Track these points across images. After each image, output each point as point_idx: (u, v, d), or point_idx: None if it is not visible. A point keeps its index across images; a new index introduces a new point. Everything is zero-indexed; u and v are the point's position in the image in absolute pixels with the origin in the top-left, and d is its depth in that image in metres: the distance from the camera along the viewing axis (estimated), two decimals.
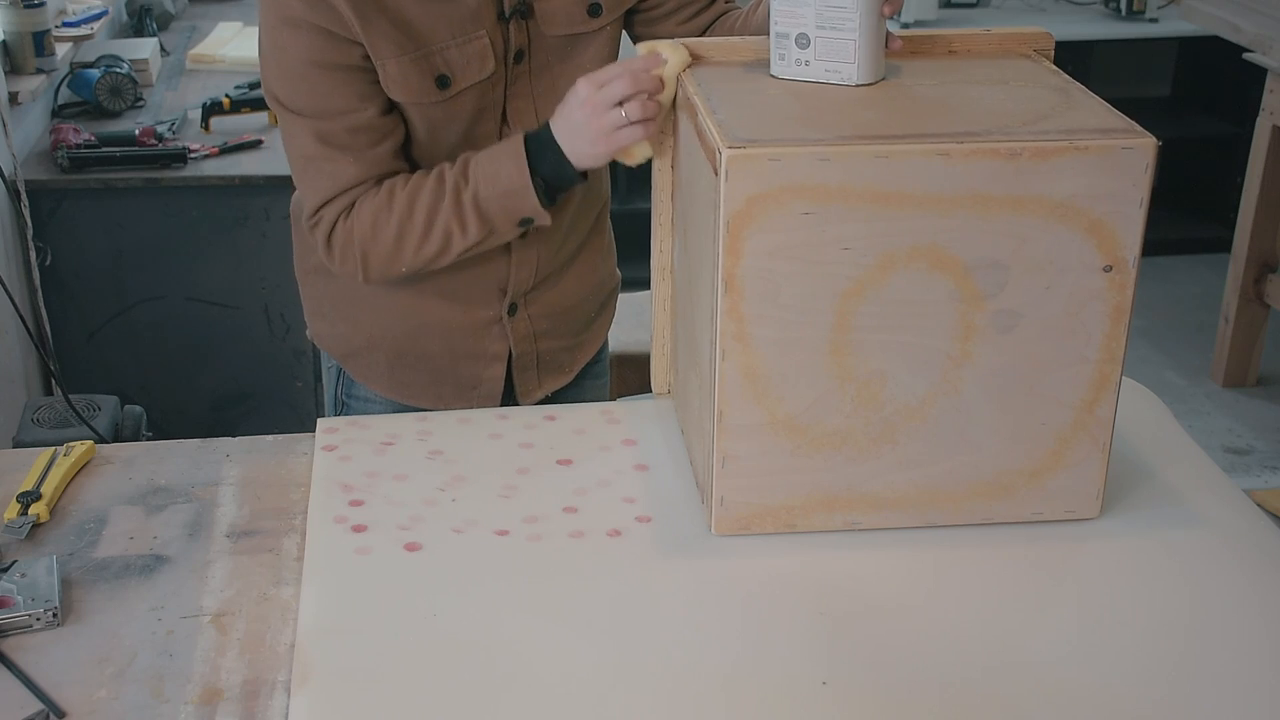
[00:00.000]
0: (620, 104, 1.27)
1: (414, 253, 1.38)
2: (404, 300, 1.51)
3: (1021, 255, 1.12)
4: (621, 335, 2.04)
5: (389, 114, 1.38)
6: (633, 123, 1.28)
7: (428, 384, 1.56)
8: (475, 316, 1.52)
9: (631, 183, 3.69)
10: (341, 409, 1.63)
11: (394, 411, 1.54)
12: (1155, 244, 4.45)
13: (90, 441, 1.38)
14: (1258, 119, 3.38)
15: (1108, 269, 1.13)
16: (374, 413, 1.56)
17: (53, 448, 1.36)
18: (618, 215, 1.69)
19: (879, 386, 1.16)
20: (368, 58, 1.34)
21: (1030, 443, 1.19)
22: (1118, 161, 1.09)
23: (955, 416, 1.17)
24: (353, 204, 1.39)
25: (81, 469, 1.35)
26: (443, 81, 1.37)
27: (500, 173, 1.35)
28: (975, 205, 1.10)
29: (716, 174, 1.09)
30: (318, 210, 1.40)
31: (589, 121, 1.29)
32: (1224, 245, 3.71)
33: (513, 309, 1.53)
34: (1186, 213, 4.63)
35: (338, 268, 1.43)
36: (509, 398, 1.59)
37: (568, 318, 1.59)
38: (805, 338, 1.14)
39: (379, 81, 1.36)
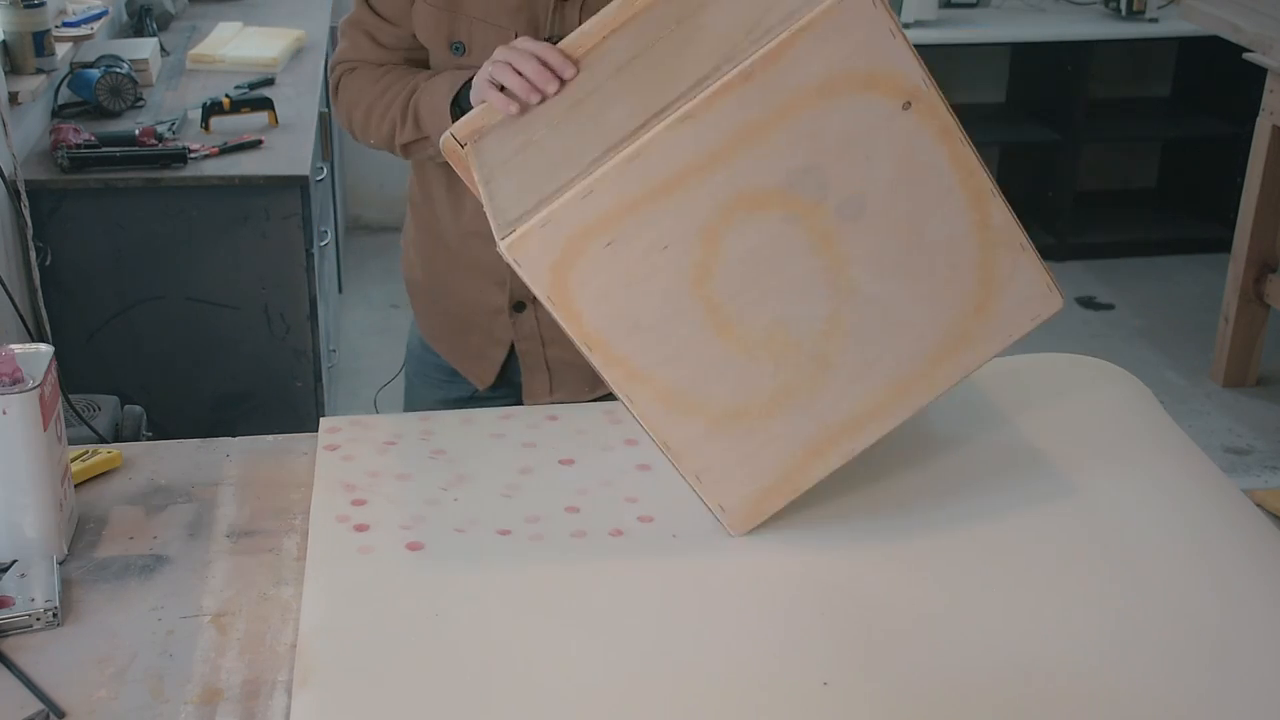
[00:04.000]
0: (519, 73, 1.28)
1: (375, 129, 1.53)
2: (442, 255, 1.61)
3: (823, 148, 1.09)
4: None
5: (413, 50, 1.52)
6: (504, 91, 1.29)
7: (448, 334, 1.66)
8: (488, 299, 1.58)
9: None
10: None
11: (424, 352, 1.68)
12: (1155, 244, 4.46)
13: (118, 451, 1.38)
14: (1258, 119, 3.38)
15: (906, 106, 1.10)
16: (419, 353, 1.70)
17: (80, 448, 1.36)
18: None
19: (783, 333, 1.14)
20: (395, 7, 1.48)
21: (954, 287, 1.16)
22: (846, 15, 1.06)
23: (870, 311, 1.15)
24: (356, 68, 1.56)
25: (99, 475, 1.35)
26: (457, 48, 1.46)
27: (438, 88, 1.44)
28: (748, 137, 1.07)
29: (519, 268, 1.09)
30: (335, 66, 1.58)
31: (486, 66, 1.33)
32: (1224, 245, 3.71)
33: (520, 305, 1.56)
34: (1186, 213, 4.63)
35: (338, 118, 1.60)
36: (510, 389, 1.60)
37: None
38: (688, 338, 1.13)
39: (403, 32, 1.50)
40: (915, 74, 1.10)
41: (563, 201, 1.07)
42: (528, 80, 1.26)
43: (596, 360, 1.13)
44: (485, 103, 1.30)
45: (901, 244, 1.14)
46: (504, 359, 1.61)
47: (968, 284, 1.16)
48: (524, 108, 1.27)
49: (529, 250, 1.08)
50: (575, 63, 1.27)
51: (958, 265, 1.15)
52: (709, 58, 1.10)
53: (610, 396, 1.67)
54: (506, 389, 1.63)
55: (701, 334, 1.13)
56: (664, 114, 1.07)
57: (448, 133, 1.32)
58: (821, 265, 1.13)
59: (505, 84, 1.28)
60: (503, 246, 1.08)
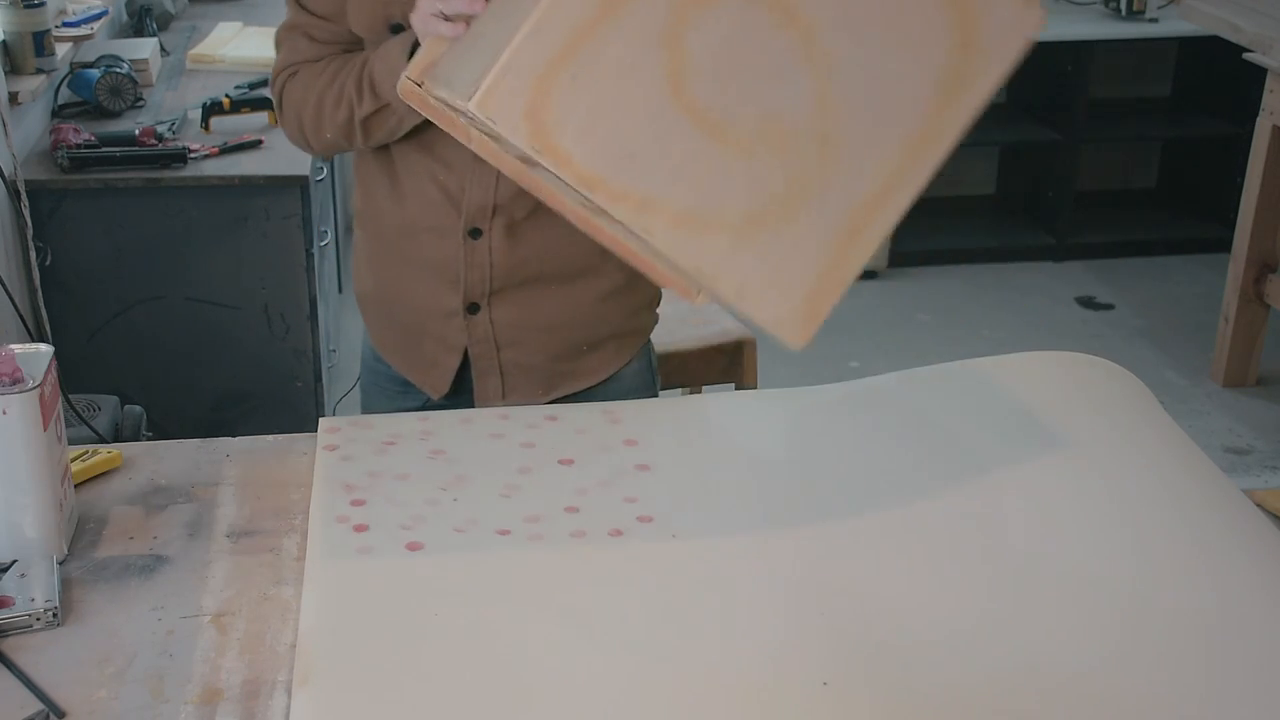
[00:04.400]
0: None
1: (330, 118, 1.48)
2: (393, 260, 1.59)
3: None
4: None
5: (351, 45, 1.49)
6: (447, 18, 1.27)
7: (400, 344, 1.63)
8: (441, 302, 1.55)
9: None
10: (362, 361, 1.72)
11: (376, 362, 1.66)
12: (1155, 244, 4.47)
13: (118, 451, 1.38)
14: (1258, 119, 3.38)
15: None
16: (371, 364, 1.67)
17: (80, 448, 1.36)
18: None
19: (777, 124, 1.11)
20: (329, 4, 1.45)
21: (932, 29, 1.13)
22: None
23: (854, 77, 1.11)
24: (298, 71, 1.52)
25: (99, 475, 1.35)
26: (397, 29, 1.42)
27: (390, 50, 1.41)
28: None
29: (495, 124, 1.06)
30: (277, 76, 1.54)
31: (420, 4, 1.31)
32: (1224, 245, 3.71)
33: (474, 308, 1.53)
34: (1186, 213, 4.63)
35: (287, 132, 1.55)
36: (466, 397, 1.59)
37: (543, 338, 1.56)
38: (684, 152, 1.10)
39: (334, 29, 1.47)
40: None
41: (515, 44, 1.04)
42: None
43: (601, 200, 1.09)
44: (431, 37, 1.28)
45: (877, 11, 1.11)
46: (457, 366, 1.58)
47: (944, 22, 1.12)
48: (471, 20, 1.26)
49: (498, 102, 1.05)
50: None
51: (928, 5, 1.12)
52: None
53: (566, 399, 1.65)
54: (461, 399, 1.60)
55: (696, 144, 1.10)
56: None
57: (403, 76, 1.29)
58: (791, 41, 1.10)
59: (445, 10, 1.27)
60: (473, 107, 1.05)
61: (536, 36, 1.05)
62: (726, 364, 2.27)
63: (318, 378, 2.76)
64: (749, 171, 1.12)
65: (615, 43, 1.07)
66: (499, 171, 1.31)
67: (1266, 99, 3.34)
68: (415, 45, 1.36)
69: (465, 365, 1.58)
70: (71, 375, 2.65)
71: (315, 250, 2.67)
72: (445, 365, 1.58)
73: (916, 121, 1.14)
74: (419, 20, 1.32)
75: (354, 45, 1.50)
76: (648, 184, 1.11)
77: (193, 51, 3.24)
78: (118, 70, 2.90)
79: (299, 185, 2.58)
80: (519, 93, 1.06)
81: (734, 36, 1.09)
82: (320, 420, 1.42)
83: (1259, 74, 3.37)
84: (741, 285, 1.15)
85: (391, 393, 1.65)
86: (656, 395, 1.66)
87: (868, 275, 4.26)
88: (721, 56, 1.09)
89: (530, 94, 1.07)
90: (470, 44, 1.22)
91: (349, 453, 1.36)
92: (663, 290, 1.62)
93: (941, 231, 4.50)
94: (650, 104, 1.09)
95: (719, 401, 1.51)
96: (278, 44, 1.55)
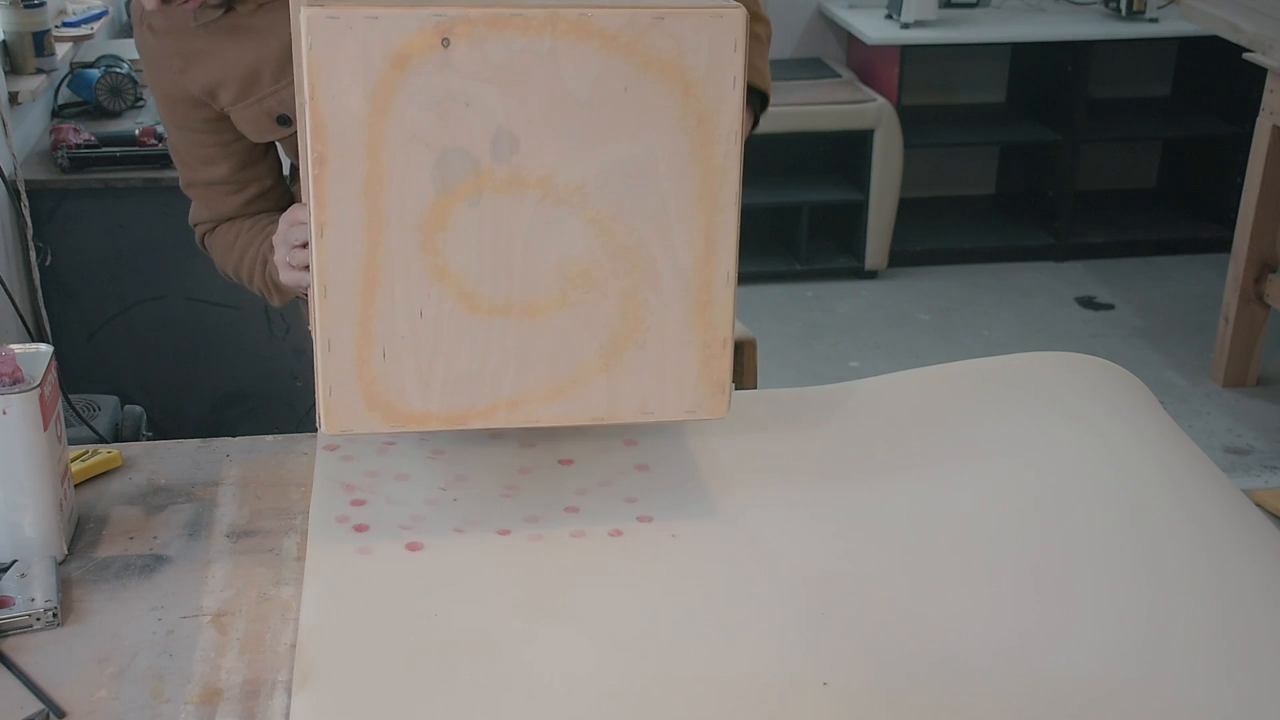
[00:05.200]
0: (304, 245, 1.31)
1: (253, 286, 1.53)
2: None
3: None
4: None
5: (246, 168, 1.50)
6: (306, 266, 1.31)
7: None
8: None
9: None
10: None
11: None
12: (1155, 244, 4.47)
13: (118, 451, 1.38)
14: (1258, 119, 3.38)
15: (446, 43, 1.06)
16: None
17: (80, 448, 1.36)
18: None
19: (571, 263, 1.14)
20: (214, 119, 1.45)
21: (673, 119, 1.14)
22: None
23: (621, 188, 1.13)
24: (215, 227, 1.55)
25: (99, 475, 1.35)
26: (283, 120, 1.43)
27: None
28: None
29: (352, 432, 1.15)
30: (194, 228, 1.57)
31: (277, 250, 1.36)
32: (1224, 245, 3.71)
33: None
34: (1186, 213, 4.63)
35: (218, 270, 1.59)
36: None
37: None
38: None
39: (231, 140, 1.47)
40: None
41: (319, 363, 1.12)
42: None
43: (477, 424, 1.16)
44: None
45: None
46: None
47: (672, 105, 1.12)
48: None
49: (341, 418, 1.15)
50: None
51: (662, 114, 1.12)
52: None
53: None
54: None
55: (518, 332, 1.14)
56: None
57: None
58: (542, 202, 1.11)
59: (294, 262, 1.34)
60: (325, 432, 1.16)
61: (329, 345, 1.11)
62: None
63: None
64: (580, 318, 1.15)
65: (397, 299, 1.11)
66: None
67: (1266, 99, 3.34)
68: None
69: None
70: (71, 375, 2.66)
71: None
72: None
73: (694, 184, 1.14)
74: (286, 278, 1.37)
75: (252, 155, 1.51)
76: (505, 388, 1.15)
77: None
78: (118, 70, 2.90)
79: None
80: (353, 397, 1.12)
81: (490, 227, 1.11)
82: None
83: (1259, 74, 3.37)
84: (641, 404, 1.18)
85: None
86: None
87: (868, 275, 4.27)
88: (487, 251, 1.12)
89: (361, 391, 1.12)
90: None
91: (349, 453, 1.36)
92: None
93: (941, 231, 4.51)
94: (457, 328, 1.12)
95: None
96: (185, 191, 1.56)
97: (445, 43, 1.06)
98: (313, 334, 1.14)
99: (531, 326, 1.14)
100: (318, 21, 1.04)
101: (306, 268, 1.31)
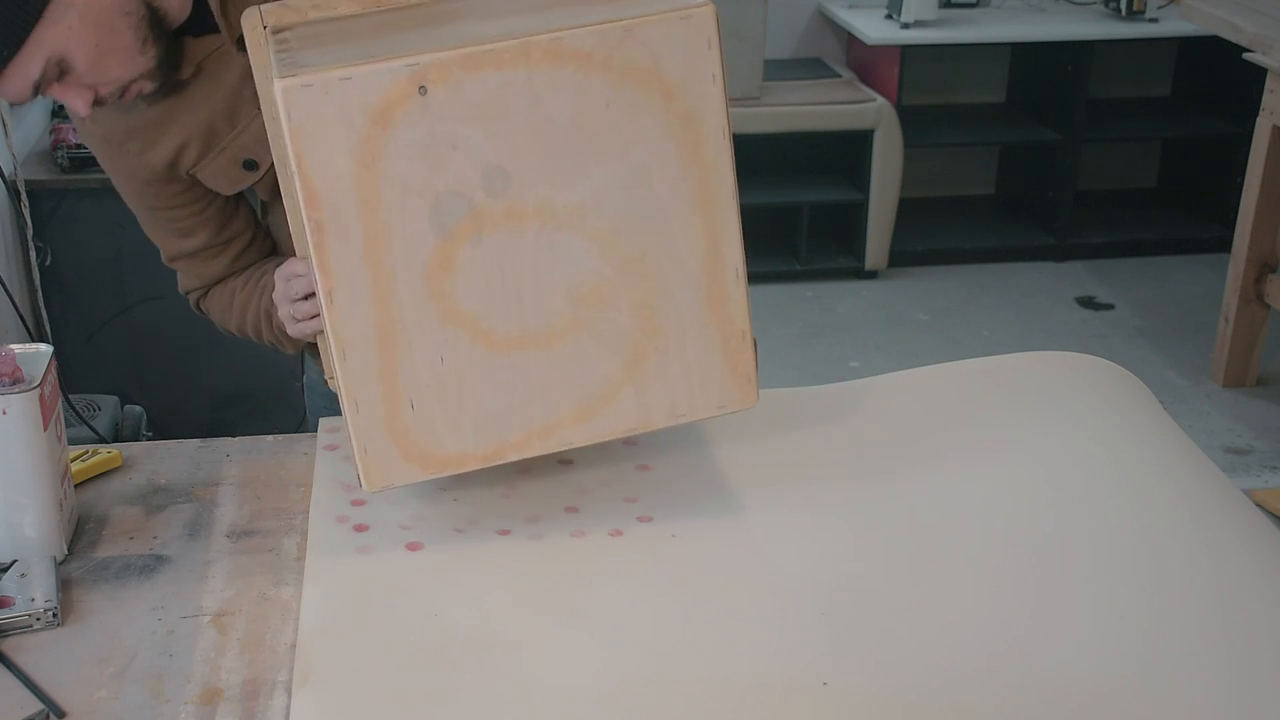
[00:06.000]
0: (306, 298, 1.32)
1: (259, 339, 1.52)
2: None
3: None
4: None
5: (224, 229, 1.48)
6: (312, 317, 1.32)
7: None
8: None
9: None
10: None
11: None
12: (1155, 244, 4.47)
13: (118, 451, 1.38)
14: (1258, 119, 3.38)
15: (423, 91, 1.06)
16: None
17: (80, 448, 1.36)
18: None
19: (580, 285, 1.13)
20: (184, 190, 1.43)
21: (661, 138, 1.14)
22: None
23: (622, 204, 1.12)
24: (207, 291, 1.54)
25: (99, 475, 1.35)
26: (250, 165, 1.41)
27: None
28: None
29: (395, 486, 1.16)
30: (185, 294, 1.57)
31: (280, 308, 1.36)
32: (1224, 245, 3.71)
33: None
34: (1186, 213, 4.63)
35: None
36: None
37: None
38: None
39: (204, 206, 1.45)
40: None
41: (350, 424, 1.13)
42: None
43: (514, 457, 1.16)
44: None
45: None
46: None
47: (661, 125, 1.12)
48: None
49: (381, 475, 1.14)
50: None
51: (649, 135, 1.12)
52: None
53: None
54: None
55: (541, 359, 1.14)
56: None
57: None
58: (544, 229, 1.11)
59: (298, 313, 1.34)
60: (368, 490, 1.15)
61: (356, 406, 1.11)
62: None
63: None
64: (597, 336, 1.15)
65: (415, 349, 1.11)
66: None
67: (1266, 99, 3.34)
68: None
69: None
70: (71, 375, 2.66)
71: None
72: None
73: (689, 186, 1.14)
74: (294, 331, 1.37)
75: (227, 210, 1.49)
76: (535, 417, 1.15)
77: None
78: None
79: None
80: (387, 452, 1.13)
81: (496, 264, 1.11)
82: (320, 420, 1.42)
83: (1259, 74, 3.37)
84: (671, 408, 1.18)
85: (339, 410, 1.65)
86: None
87: (868, 275, 4.27)
88: (495, 287, 1.12)
89: (395, 445, 1.13)
90: None
91: (349, 452, 1.35)
92: None
93: (941, 231, 4.51)
94: (478, 367, 1.12)
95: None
96: (170, 265, 1.55)
97: (422, 90, 1.05)
98: (337, 393, 1.14)
99: (551, 353, 1.14)
100: (293, 92, 1.03)
101: (313, 318, 1.32)
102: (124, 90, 1.26)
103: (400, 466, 1.14)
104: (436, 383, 1.12)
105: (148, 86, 1.28)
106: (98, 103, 1.26)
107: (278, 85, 1.04)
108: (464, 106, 1.06)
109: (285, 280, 1.35)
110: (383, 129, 1.05)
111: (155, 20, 1.25)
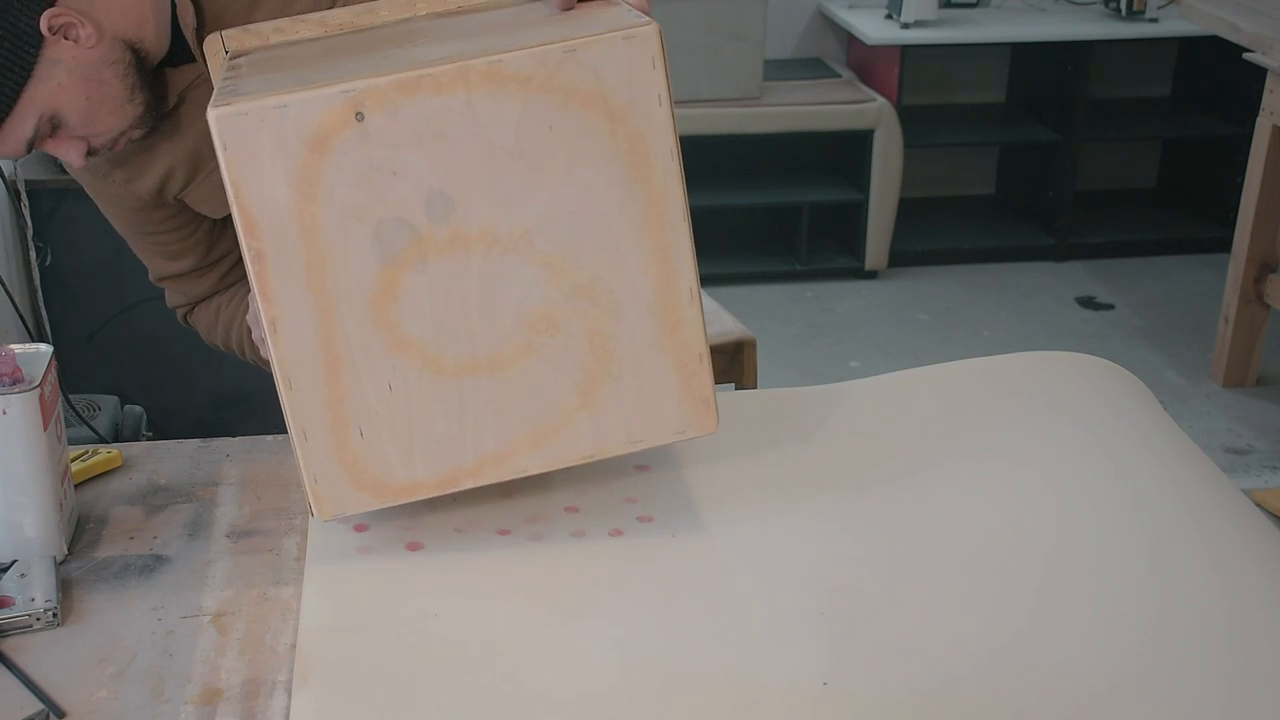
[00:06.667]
0: None
1: (244, 360, 1.54)
2: None
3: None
4: None
5: (211, 250, 1.49)
6: None
7: None
8: None
9: None
10: None
11: None
12: (1155, 244, 4.47)
13: (118, 451, 1.38)
14: (1258, 119, 3.38)
15: (360, 117, 1.05)
16: None
17: (80, 448, 1.36)
18: None
19: (529, 309, 1.11)
20: (172, 215, 1.44)
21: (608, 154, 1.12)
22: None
23: (568, 230, 1.11)
24: (194, 308, 1.56)
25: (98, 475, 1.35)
26: None
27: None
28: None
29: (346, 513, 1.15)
30: (175, 311, 1.58)
31: (254, 329, 1.36)
32: (1224, 245, 3.71)
33: None
34: (1186, 213, 4.63)
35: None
36: None
37: None
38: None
39: (192, 230, 1.46)
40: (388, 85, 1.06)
41: (299, 453, 1.13)
42: None
43: (468, 484, 1.16)
44: None
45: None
46: None
47: (611, 147, 1.10)
48: None
49: (331, 504, 1.14)
50: None
51: (598, 154, 1.10)
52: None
53: None
54: None
55: (489, 387, 1.12)
56: None
57: None
58: (491, 253, 1.10)
59: None
60: (319, 518, 1.15)
61: (304, 435, 1.11)
62: (726, 364, 2.28)
63: None
64: (549, 362, 1.13)
65: (363, 377, 1.10)
66: None
67: (1266, 99, 3.34)
68: None
69: None
70: (71, 375, 2.66)
71: None
72: None
73: (638, 209, 1.12)
74: (266, 354, 1.35)
75: (212, 267, 1.51)
76: (487, 444, 1.14)
77: None
78: None
79: None
80: (339, 481, 1.12)
81: (442, 290, 1.10)
82: None
83: (1259, 74, 3.37)
84: (628, 435, 1.17)
85: None
86: None
87: (868, 275, 4.27)
88: (443, 313, 1.10)
89: (346, 473, 1.12)
90: None
91: None
92: None
93: (941, 231, 4.51)
94: (427, 394, 1.11)
95: (719, 401, 1.51)
96: (157, 285, 1.56)
97: (359, 117, 1.04)
98: (287, 424, 1.13)
99: (502, 379, 1.13)
100: (227, 120, 1.03)
101: None
102: (115, 141, 1.29)
103: (352, 495, 1.13)
104: (386, 410, 1.11)
105: (137, 134, 1.30)
106: (91, 153, 1.28)
107: (211, 114, 1.03)
108: (403, 132, 1.05)
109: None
110: (320, 156, 1.04)
111: (140, 64, 1.26)
